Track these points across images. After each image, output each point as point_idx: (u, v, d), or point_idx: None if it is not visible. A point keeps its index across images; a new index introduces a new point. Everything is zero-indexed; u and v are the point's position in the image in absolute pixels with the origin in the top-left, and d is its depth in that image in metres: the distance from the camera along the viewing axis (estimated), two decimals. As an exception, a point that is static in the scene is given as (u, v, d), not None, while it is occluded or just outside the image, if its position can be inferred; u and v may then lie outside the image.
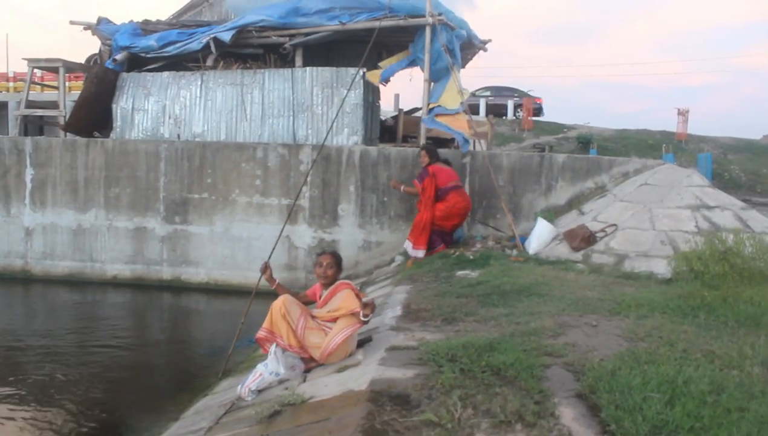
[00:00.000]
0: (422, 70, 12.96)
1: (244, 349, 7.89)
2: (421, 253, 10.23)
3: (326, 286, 5.53)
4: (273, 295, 5.57)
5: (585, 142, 27.98)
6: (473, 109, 26.65)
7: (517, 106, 31.86)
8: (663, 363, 4.17)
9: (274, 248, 8.02)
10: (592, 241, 9.43)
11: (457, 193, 10.34)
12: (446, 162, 10.75)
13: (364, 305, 5.06)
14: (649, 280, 7.75)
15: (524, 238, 10.42)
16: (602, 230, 9.55)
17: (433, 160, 10.55)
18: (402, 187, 10.87)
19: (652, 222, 9.42)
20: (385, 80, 14.12)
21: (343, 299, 5.24)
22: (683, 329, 5.15)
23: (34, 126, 20.08)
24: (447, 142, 14.87)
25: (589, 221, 10.03)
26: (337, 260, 5.56)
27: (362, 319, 5.05)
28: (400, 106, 19.08)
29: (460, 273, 8.33)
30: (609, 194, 10.99)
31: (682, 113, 30.81)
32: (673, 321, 5.42)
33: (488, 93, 32.21)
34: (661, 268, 8.00)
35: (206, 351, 8.86)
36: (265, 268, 5.87)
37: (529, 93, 32.26)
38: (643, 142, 29.17)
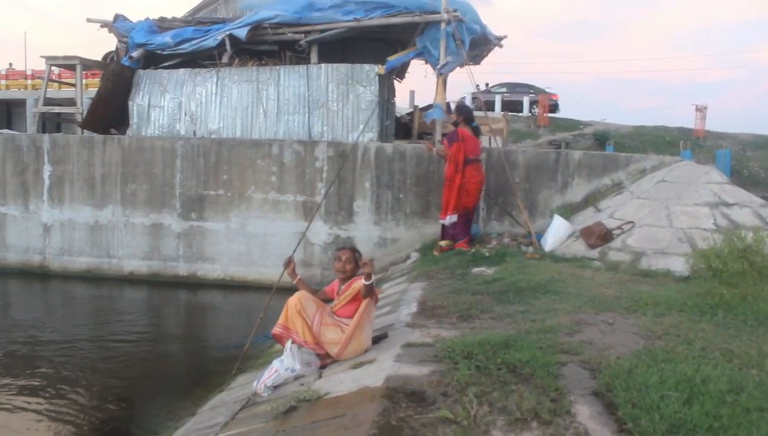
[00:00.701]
0: (429, 63, 13.01)
1: (260, 345, 7.91)
2: (454, 217, 10.04)
3: (344, 281, 5.52)
4: (291, 290, 5.57)
5: (601, 138, 27.80)
6: (489, 106, 26.58)
7: (532, 103, 31.69)
8: (681, 362, 4.13)
9: (299, 244, 7.98)
10: (609, 238, 9.38)
11: (473, 167, 10.13)
12: (476, 130, 10.50)
13: (363, 264, 5.03)
14: (666, 278, 7.70)
15: (540, 235, 10.39)
16: (619, 228, 9.49)
17: (460, 121, 10.31)
18: (435, 149, 10.70)
19: (669, 219, 9.36)
20: (391, 70, 14.04)
21: (356, 284, 5.25)
22: (701, 327, 5.11)
23: (51, 123, 20.26)
24: None
25: (606, 218, 9.97)
26: (355, 255, 5.55)
27: (365, 283, 5.04)
28: (416, 103, 19.06)
29: (475, 270, 8.31)
30: (626, 191, 10.92)
31: (700, 109, 30.54)
32: (690, 319, 5.38)
33: (504, 89, 32.05)
34: (679, 265, 7.93)
35: (222, 347, 8.90)
36: (289, 262, 5.86)
37: (545, 90, 32.08)
38: (660, 138, 28.94)
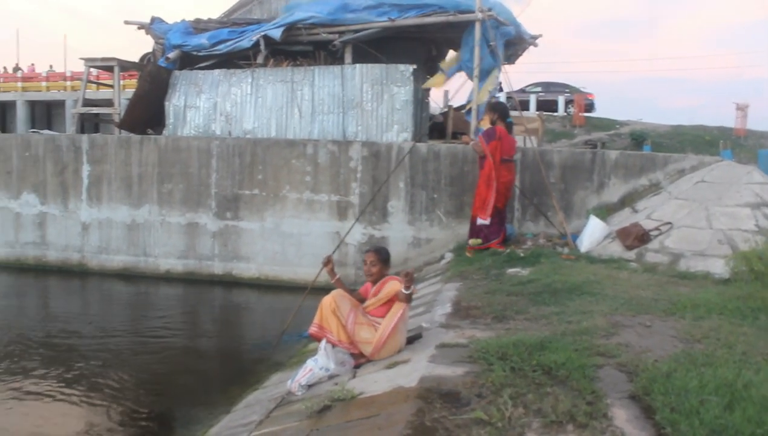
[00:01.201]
0: (467, 75, 12.94)
1: (294, 344, 7.95)
2: (486, 221, 9.93)
3: (374, 283, 5.54)
4: (326, 290, 5.59)
5: (638, 138, 27.41)
6: (523, 106, 26.37)
7: (568, 102, 31.35)
8: (721, 366, 4.05)
9: (338, 246, 7.83)
10: (646, 239, 9.24)
11: (505, 167, 10.01)
12: (509, 126, 10.28)
13: (405, 275, 5.04)
14: (705, 280, 7.55)
15: (576, 236, 10.27)
16: (656, 229, 9.34)
17: (497, 120, 10.08)
18: (471, 143, 10.49)
19: (709, 221, 9.18)
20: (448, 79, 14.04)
21: (390, 287, 5.25)
22: (742, 330, 5.00)
23: (90, 124, 20.62)
24: None
25: (643, 219, 9.82)
26: (381, 257, 5.54)
27: (404, 291, 5.04)
28: (450, 103, 19.00)
29: (510, 271, 8.26)
30: (664, 192, 10.75)
31: (741, 108, 29.95)
32: (731, 323, 5.27)
33: (539, 89, 31.76)
34: (719, 268, 7.78)
35: (256, 345, 8.95)
36: (328, 261, 5.89)
37: (581, 89, 31.71)
38: (699, 138, 28.44)
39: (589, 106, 31.25)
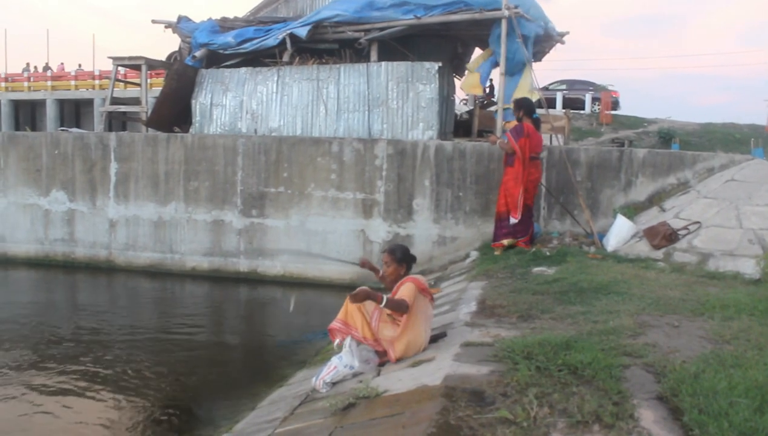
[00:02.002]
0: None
1: (319, 341, 7.97)
2: (518, 219, 9.82)
3: (393, 282, 5.54)
4: (350, 287, 5.59)
5: (666, 136, 27.08)
6: (549, 103, 26.16)
7: (594, 100, 31.04)
8: (751, 367, 3.99)
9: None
10: (674, 239, 9.13)
11: (532, 164, 9.92)
12: (536, 123, 10.17)
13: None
14: (735, 280, 7.45)
15: (602, 235, 10.19)
16: (685, 228, 9.23)
17: (522, 116, 10.00)
18: (498, 142, 10.29)
19: (739, 220, 9.05)
20: (486, 86, 13.99)
21: (401, 292, 5.23)
22: (773, 332, 4.92)
23: (117, 122, 20.84)
24: None
25: (671, 218, 9.71)
26: (395, 257, 5.51)
27: (381, 306, 5.07)
28: (476, 101, 18.94)
29: (536, 270, 8.21)
30: (692, 191, 10.62)
31: (772, 106, 29.47)
32: (762, 324, 5.19)
33: (564, 87, 31.51)
34: (749, 268, 7.68)
35: (281, 343, 8.99)
36: (364, 263, 5.97)
37: (607, 86, 31.39)
38: (729, 136, 28.03)
39: (614, 104, 30.95)
